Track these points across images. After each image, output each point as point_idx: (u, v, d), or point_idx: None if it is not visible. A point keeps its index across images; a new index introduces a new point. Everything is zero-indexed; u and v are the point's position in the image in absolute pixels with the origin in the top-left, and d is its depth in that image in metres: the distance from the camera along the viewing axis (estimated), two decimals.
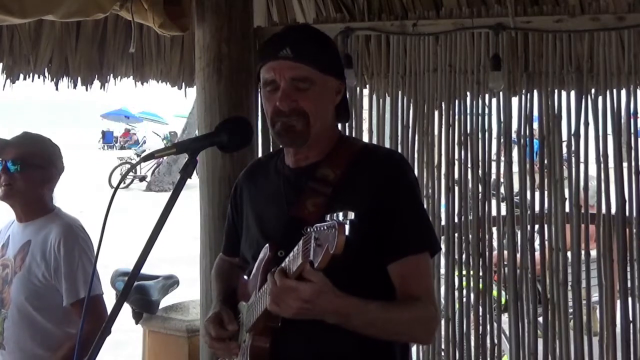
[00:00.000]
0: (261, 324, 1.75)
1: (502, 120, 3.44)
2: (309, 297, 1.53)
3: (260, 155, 3.52)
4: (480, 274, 3.44)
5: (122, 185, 2.00)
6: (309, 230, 1.46)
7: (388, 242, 1.77)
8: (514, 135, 3.52)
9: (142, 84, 4.65)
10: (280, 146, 1.96)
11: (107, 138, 35.69)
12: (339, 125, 2.31)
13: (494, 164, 3.49)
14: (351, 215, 1.44)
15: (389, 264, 1.78)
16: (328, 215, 1.44)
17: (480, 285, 3.44)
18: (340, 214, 1.44)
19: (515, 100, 3.42)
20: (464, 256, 3.47)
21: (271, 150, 3.55)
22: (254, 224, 1.95)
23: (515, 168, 3.47)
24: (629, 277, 3.29)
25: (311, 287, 1.52)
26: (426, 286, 1.82)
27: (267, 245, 1.80)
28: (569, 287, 3.38)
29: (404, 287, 1.77)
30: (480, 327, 3.46)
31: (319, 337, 1.76)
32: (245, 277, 1.94)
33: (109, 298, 2.72)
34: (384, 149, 2.16)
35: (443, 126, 3.50)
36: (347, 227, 1.41)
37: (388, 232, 1.77)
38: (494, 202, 3.53)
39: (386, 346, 1.81)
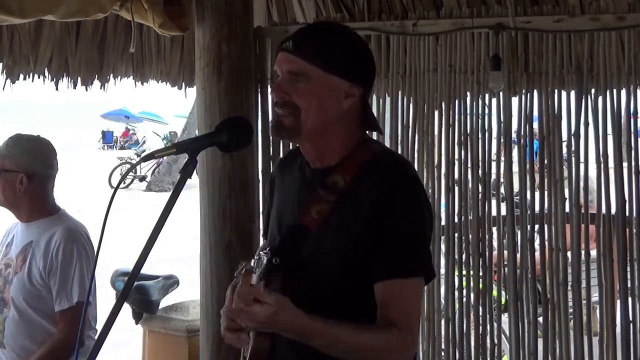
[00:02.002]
0: None
1: (502, 120, 3.44)
2: (263, 320, 1.53)
3: (260, 155, 3.53)
4: (480, 274, 3.44)
5: (122, 185, 1.99)
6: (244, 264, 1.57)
7: (377, 259, 1.71)
8: (514, 135, 3.52)
9: (142, 84, 4.65)
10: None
11: (107, 138, 35.62)
12: None
13: (494, 164, 3.49)
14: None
15: (374, 283, 1.73)
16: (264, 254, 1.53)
17: (480, 285, 3.44)
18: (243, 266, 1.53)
19: (515, 100, 3.42)
20: (464, 256, 3.47)
21: (271, 150, 3.55)
22: (275, 217, 1.95)
23: (515, 168, 3.48)
24: (629, 277, 3.29)
25: (265, 310, 1.51)
26: (408, 312, 1.71)
27: (268, 249, 1.78)
28: (569, 287, 3.38)
29: (383, 309, 1.70)
30: (480, 327, 3.46)
31: (311, 351, 1.72)
32: None
33: (110, 298, 2.72)
34: (398, 159, 1.97)
35: (443, 126, 3.50)
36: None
37: (379, 248, 1.71)
38: (494, 202, 3.53)
39: None
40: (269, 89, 1.88)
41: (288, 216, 1.88)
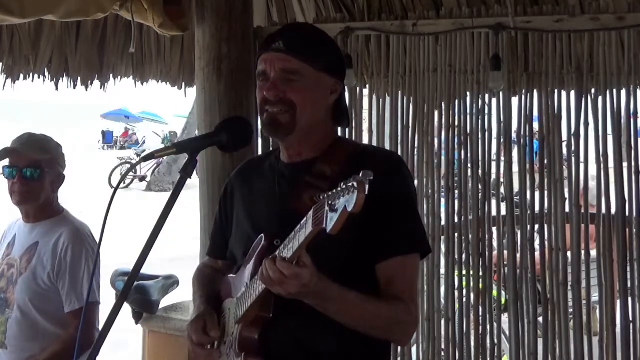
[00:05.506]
0: (253, 314, 1.74)
1: (502, 120, 3.44)
2: (307, 282, 1.56)
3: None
4: (480, 274, 3.44)
5: (122, 185, 2.00)
6: (321, 197, 1.43)
7: (378, 241, 1.78)
8: (514, 135, 3.52)
9: (142, 84, 4.65)
10: (278, 145, 1.97)
11: (107, 138, 35.65)
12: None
13: (494, 164, 3.50)
14: (371, 175, 1.40)
15: (376, 264, 1.79)
16: (342, 182, 1.42)
17: (480, 285, 3.44)
18: (361, 174, 1.40)
19: (515, 100, 3.42)
20: (464, 256, 3.47)
21: (271, 150, 3.55)
22: (246, 220, 1.94)
23: (515, 168, 3.48)
24: (629, 277, 3.29)
25: (309, 272, 1.55)
26: (410, 288, 1.82)
27: (262, 235, 1.79)
28: (569, 287, 3.38)
29: (388, 287, 1.78)
30: (480, 327, 3.46)
31: (306, 335, 1.77)
32: (232, 275, 1.92)
33: (109, 298, 2.72)
34: (384, 150, 2.16)
35: (443, 126, 3.50)
36: (367, 186, 1.35)
37: (379, 231, 1.77)
38: (494, 202, 3.53)
39: (369, 345, 1.80)
40: (259, 89, 1.86)
41: (264, 211, 1.90)
